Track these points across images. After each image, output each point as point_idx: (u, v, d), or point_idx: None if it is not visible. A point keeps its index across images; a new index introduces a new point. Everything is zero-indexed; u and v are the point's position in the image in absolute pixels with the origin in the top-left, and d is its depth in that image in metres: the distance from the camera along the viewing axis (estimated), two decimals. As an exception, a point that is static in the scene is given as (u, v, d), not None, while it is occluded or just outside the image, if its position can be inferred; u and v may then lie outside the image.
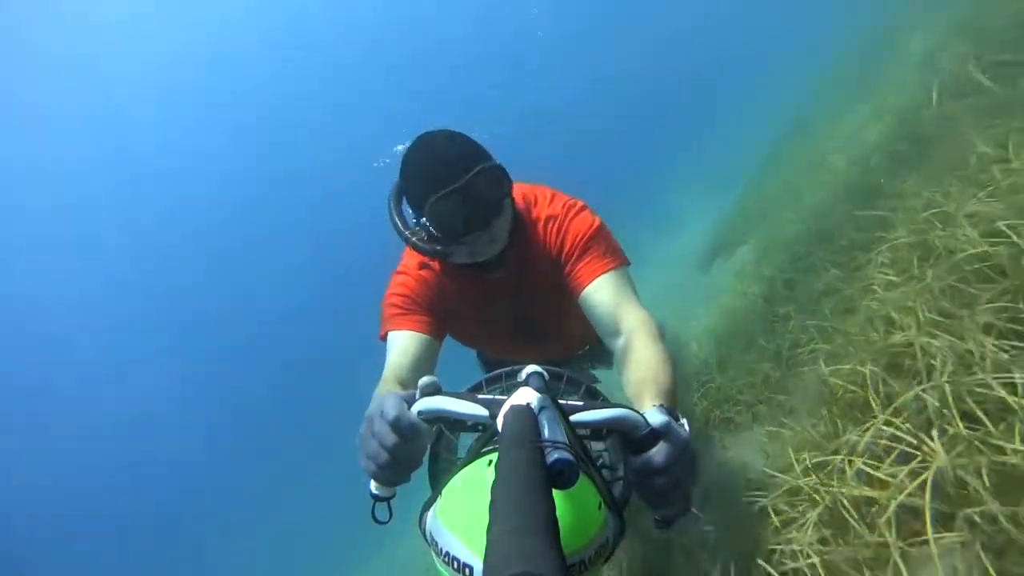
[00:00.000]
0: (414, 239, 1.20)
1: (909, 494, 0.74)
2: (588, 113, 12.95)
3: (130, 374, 11.57)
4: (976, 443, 0.72)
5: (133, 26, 12.23)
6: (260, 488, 9.34)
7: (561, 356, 1.91)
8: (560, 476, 0.44)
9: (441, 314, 1.33)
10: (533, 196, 1.36)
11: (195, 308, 12.60)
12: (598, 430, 0.66)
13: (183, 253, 13.26)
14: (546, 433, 0.49)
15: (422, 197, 1.12)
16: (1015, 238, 0.97)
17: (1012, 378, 0.77)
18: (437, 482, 0.77)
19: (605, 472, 0.78)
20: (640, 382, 0.92)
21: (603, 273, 1.22)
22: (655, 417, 0.67)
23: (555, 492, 0.42)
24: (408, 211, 1.22)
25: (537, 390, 0.60)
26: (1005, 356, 0.81)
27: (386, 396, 0.68)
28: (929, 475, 0.73)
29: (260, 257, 13.25)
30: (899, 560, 0.72)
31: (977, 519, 0.68)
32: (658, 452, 0.64)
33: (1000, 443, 0.70)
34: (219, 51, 13.35)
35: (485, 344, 1.72)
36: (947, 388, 0.80)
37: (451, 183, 1.08)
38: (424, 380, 0.68)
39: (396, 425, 0.65)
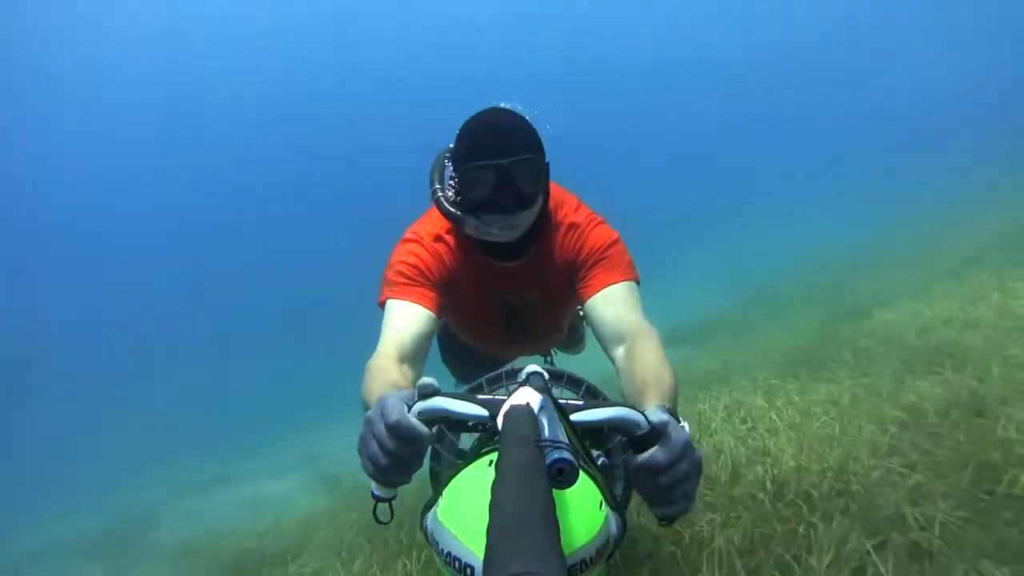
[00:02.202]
0: (440, 194, 1.23)
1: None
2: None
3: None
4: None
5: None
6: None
7: (533, 354, 1.95)
8: (560, 476, 0.44)
9: (444, 292, 1.32)
10: (561, 199, 1.38)
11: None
12: (599, 429, 0.66)
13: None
14: (546, 433, 0.49)
15: (463, 159, 1.15)
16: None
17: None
18: (438, 482, 0.77)
19: (606, 471, 0.79)
20: (643, 383, 0.93)
21: (614, 283, 1.25)
22: (656, 415, 0.66)
23: (556, 492, 0.42)
24: (449, 170, 1.25)
25: (537, 390, 0.60)
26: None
27: (386, 397, 0.68)
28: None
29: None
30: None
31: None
32: (659, 450, 0.64)
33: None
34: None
35: (467, 330, 1.70)
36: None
37: (492, 157, 1.11)
38: (423, 381, 0.67)
39: (396, 427, 0.64)
